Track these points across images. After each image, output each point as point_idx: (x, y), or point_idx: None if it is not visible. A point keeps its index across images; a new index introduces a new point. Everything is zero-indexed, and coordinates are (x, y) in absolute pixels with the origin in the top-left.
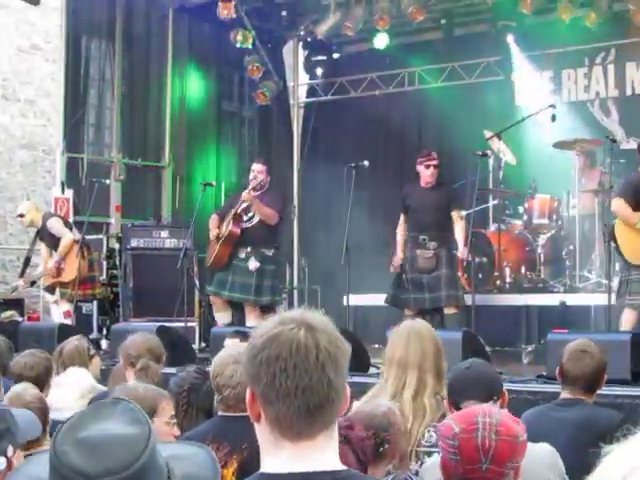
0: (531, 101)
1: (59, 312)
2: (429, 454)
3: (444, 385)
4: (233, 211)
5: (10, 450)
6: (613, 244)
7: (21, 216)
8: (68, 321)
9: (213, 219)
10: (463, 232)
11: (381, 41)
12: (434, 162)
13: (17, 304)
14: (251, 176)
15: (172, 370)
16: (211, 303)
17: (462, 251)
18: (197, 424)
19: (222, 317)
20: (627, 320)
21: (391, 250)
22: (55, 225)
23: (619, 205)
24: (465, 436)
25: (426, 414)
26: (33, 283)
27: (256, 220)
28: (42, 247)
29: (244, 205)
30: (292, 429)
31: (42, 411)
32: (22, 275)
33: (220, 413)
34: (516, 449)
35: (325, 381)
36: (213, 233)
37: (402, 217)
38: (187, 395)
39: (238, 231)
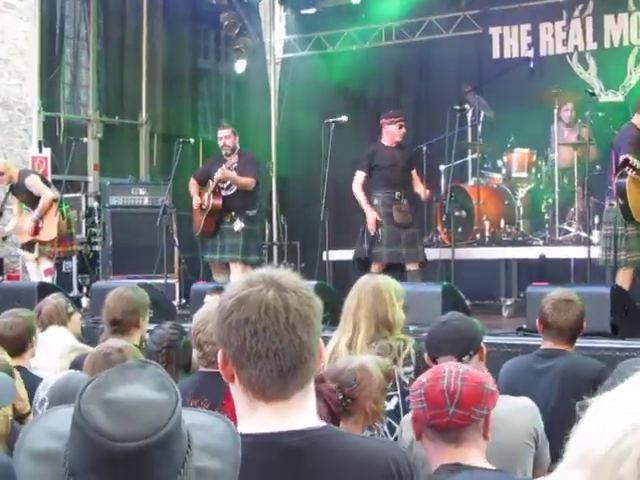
0: (509, 54)
1: (39, 270)
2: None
3: (395, 335)
4: (212, 185)
5: None
6: (620, 200)
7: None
8: (49, 279)
9: (192, 184)
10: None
11: None
12: (404, 122)
13: None
14: (220, 143)
15: (151, 327)
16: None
17: (424, 190)
18: (177, 380)
19: (220, 279)
20: (624, 281)
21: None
22: (35, 183)
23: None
24: (431, 383)
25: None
26: (4, 239)
27: (235, 188)
28: (15, 203)
29: (218, 178)
30: (265, 391)
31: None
32: None
33: (201, 369)
34: (482, 395)
35: (297, 342)
36: (196, 201)
37: (362, 175)
38: (166, 352)
39: (220, 203)
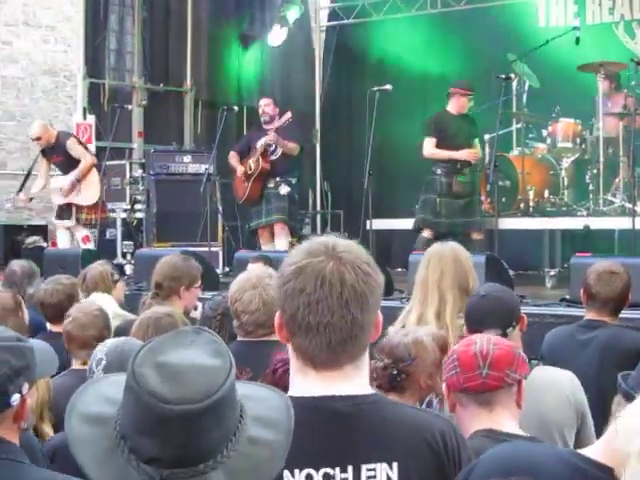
0: (555, 23)
1: (76, 239)
2: None
3: None
4: (260, 149)
5: (26, 387)
6: None
7: (38, 139)
8: (89, 246)
9: (233, 156)
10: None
11: None
12: (472, 93)
13: (41, 230)
14: (260, 111)
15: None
16: (258, 237)
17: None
18: (229, 345)
19: (267, 248)
20: None
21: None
22: (76, 146)
23: None
24: (464, 349)
25: (450, 333)
26: (31, 199)
27: (280, 152)
28: (43, 166)
29: (271, 142)
30: (315, 360)
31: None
32: (21, 190)
33: (239, 339)
34: (514, 357)
35: (349, 318)
36: (240, 170)
37: (432, 141)
38: (220, 319)
39: (268, 166)
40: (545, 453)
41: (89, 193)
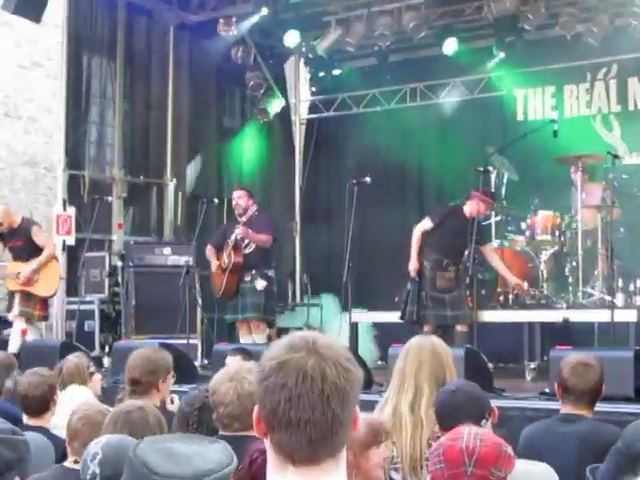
0: (533, 116)
1: (14, 328)
2: None
3: None
4: (231, 243)
5: None
6: None
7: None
8: (22, 340)
9: (210, 250)
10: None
11: (381, 57)
12: (494, 206)
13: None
14: (233, 203)
15: (175, 388)
16: (237, 328)
17: (520, 283)
18: None
19: (246, 340)
20: None
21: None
22: (40, 234)
23: None
24: (450, 443)
25: (424, 426)
26: None
27: (254, 246)
28: None
29: (240, 236)
30: (294, 456)
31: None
32: None
33: (220, 432)
34: (500, 456)
35: (329, 415)
36: (215, 264)
37: (428, 222)
38: (198, 414)
39: (241, 260)
40: None
41: (48, 284)
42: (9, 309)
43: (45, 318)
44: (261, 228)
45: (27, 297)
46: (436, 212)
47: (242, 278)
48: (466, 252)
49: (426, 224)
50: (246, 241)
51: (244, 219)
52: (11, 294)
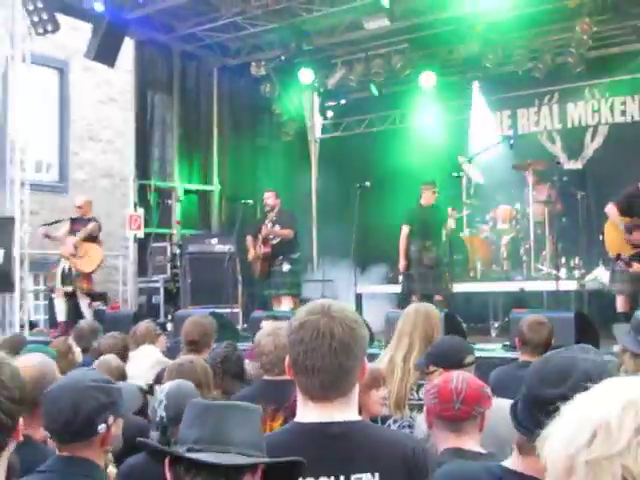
0: (494, 133)
1: (82, 306)
2: (420, 407)
3: None
4: (261, 237)
5: (111, 419)
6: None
7: (79, 207)
8: (90, 312)
9: (249, 240)
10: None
11: (377, 90)
12: (436, 189)
13: (102, 296)
14: (264, 202)
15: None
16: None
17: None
18: (233, 386)
19: (278, 309)
20: (620, 304)
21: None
22: (92, 225)
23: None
24: (443, 384)
25: (411, 374)
26: (47, 236)
27: (278, 239)
28: (65, 227)
29: (264, 234)
30: (313, 395)
31: (120, 377)
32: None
33: (264, 377)
34: (481, 396)
35: (336, 363)
36: (251, 253)
37: (406, 228)
38: (221, 365)
39: (269, 250)
40: (478, 468)
41: (91, 261)
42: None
43: (91, 291)
44: (285, 224)
45: (76, 275)
46: (405, 216)
47: (273, 263)
48: (443, 238)
49: (404, 230)
50: (270, 236)
51: (272, 215)
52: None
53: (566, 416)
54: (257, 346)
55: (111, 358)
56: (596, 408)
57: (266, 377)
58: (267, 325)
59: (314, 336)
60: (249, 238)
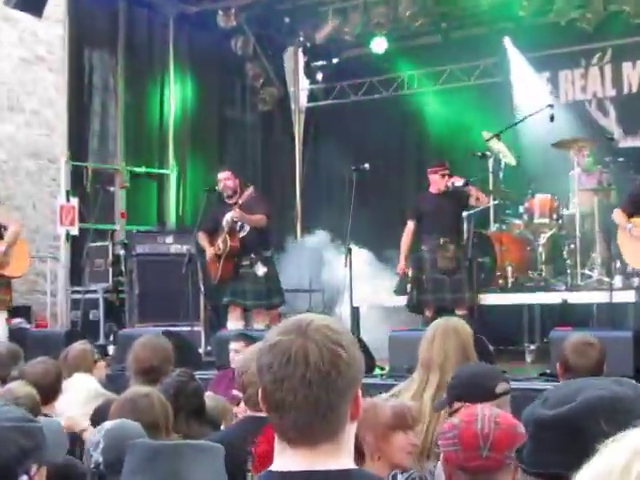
0: (529, 102)
1: (1, 320)
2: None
3: None
4: (226, 228)
5: (34, 469)
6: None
7: None
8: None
9: (202, 237)
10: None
11: (379, 45)
12: (448, 171)
13: (25, 311)
14: (221, 186)
15: None
16: (228, 312)
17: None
18: (189, 427)
19: (235, 326)
20: None
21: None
22: (5, 213)
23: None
24: (465, 425)
25: (440, 416)
26: None
27: (249, 227)
28: None
29: (235, 219)
30: (288, 437)
31: (33, 410)
32: None
33: (249, 413)
34: (515, 438)
35: (311, 399)
36: (209, 252)
37: (412, 224)
38: (174, 399)
39: (237, 244)
40: None
41: (19, 263)
42: None
43: (9, 304)
44: (255, 208)
45: None
46: (409, 210)
47: (240, 262)
48: (465, 235)
49: (409, 226)
50: (239, 224)
51: (234, 200)
52: None
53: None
54: (243, 374)
55: (18, 386)
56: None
57: (252, 413)
58: (251, 348)
59: (284, 362)
60: (201, 235)
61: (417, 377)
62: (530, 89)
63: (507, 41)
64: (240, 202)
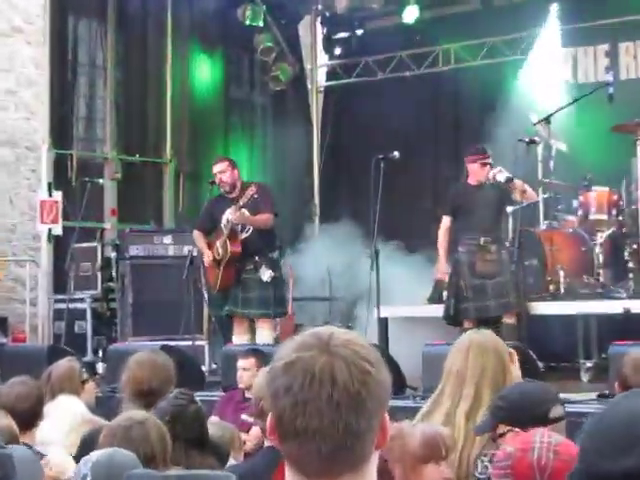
0: (584, 80)
1: None
2: None
3: None
4: (225, 230)
5: None
6: None
7: None
8: None
9: (198, 238)
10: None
11: (410, 14)
12: (490, 160)
13: (0, 323)
14: (217, 180)
15: None
16: (233, 324)
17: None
18: (188, 458)
19: (241, 340)
20: None
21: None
22: None
23: None
24: (520, 454)
25: (475, 440)
26: None
27: (252, 228)
28: None
29: (234, 221)
30: (307, 469)
31: (10, 438)
32: None
33: (267, 443)
34: None
35: (340, 425)
36: (207, 257)
37: (447, 220)
38: (171, 427)
39: (239, 249)
40: None
41: None
42: None
43: None
44: (259, 206)
45: None
46: (444, 204)
47: (243, 267)
48: (510, 234)
49: (445, 222)
50: (240, 226)
51: (235, 196)
52: None
53: None
54: (261, 399)
55: None
56: None
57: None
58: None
59: (307, 382)
60: (197, 234)
61: (448, 390)
62: (585, 64)
63: (555, 8)
64: (241, 204)
